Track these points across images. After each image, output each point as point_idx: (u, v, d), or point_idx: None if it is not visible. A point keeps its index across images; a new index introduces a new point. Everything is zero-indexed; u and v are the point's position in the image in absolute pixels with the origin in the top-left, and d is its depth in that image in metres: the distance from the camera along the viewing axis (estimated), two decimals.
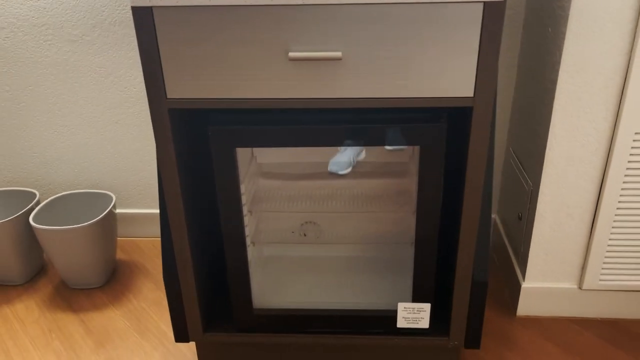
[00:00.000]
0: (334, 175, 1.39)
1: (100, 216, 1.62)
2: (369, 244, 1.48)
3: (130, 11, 1.62)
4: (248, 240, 1.23)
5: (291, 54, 0.98)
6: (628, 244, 1.41)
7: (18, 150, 1.86)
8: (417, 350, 1.32)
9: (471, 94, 1.00)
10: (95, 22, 1.65)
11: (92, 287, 1.72)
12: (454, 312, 1.22)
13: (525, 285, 1.51)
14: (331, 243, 1.46)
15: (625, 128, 1.27)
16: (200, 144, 1.23)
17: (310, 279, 1.41)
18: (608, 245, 1.41)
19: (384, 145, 1.08)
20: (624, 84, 1.24)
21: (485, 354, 1.42)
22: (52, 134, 1.82)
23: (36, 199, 1.72)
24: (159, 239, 1.97)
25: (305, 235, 1.41)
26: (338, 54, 0.97)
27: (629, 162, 1.30)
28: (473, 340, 1.26)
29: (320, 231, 1.41)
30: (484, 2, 0.93)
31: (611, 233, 1.39)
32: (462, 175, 1.11)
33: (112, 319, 1.59)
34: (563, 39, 1.22)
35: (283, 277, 1.42)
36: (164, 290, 1.69)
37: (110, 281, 1.75)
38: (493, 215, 1.83)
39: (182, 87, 1.03)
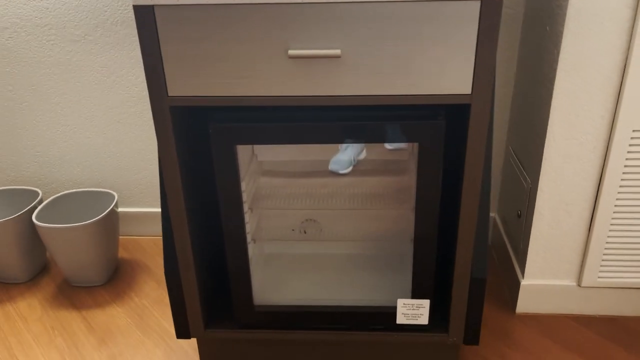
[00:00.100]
0: (335, 174, 1.40)
1: (103, 214, 1.63)
2: (369, 241, 1.49)
3: (132, 11, 1.64)
4: (249, 238, 1.25)
5: (290, 52, 0.99)
6: (626, 241, 1.41)
7: (21, 149, 1.88)
8: (417, 347, 1.33)
9: (469, 91, 1.01)
10: (98, 22, 1.66)
11: (94, 285, 1.73)
12: (453, 309, 1.23)
13: (524, 282, 1.52)
14: (331, 240, 1.47)
15: (623, 126, 1.28)
16: (201, 143, 1.25)
17: (310, 276, 1.42)
18: (606, 243, 1.42)
19: (383, 142, 1.09)
20: (622, 82, 1.25)
21: (485, 351, 1.43)
22: (55, 133, 1.84)
23: (39, 197, 1.74)
24: (161, 237, 1.99)
25: (305, 232, 1.42)
26: (337, 51, 0.98)
27: (626, 159, 1.31)
28: (472, 336, 1.27)
29: (320, 229, 1.42)
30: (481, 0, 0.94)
31: (609, 230, 1.40)
32: (461, 172, 1.12)
33: (114, 316, 1.60)
34: (561, 37, 1.23)
35: (284, 274, 1.43)
36: (166, 288, 1.70)
37: (112, 279, 1.76)
38: (493, 214, 1.84)
39: (183, 85, 1.04)
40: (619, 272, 1.46)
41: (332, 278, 1.41)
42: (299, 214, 1.43)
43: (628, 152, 1.30)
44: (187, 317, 1.29)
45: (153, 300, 1.66)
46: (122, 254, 1.90)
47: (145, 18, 0.99)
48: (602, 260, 1.44)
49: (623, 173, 1.33)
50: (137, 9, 0.98)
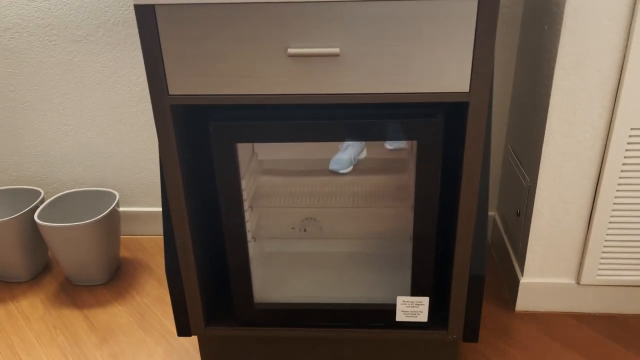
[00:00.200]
0: (335, 174, 1.41)
1: (104, 214, 1.64)
2: (369, 240, 1.50)
3: (133, 11, 1.65)
4: (249, 236, 1.25)
5: (290, 50, 1.00)
6: (625, 239, 1.42)
7: (23, 149, 1.89)
8: (416, 344, 1.34)
9: (467, 89, 1.02)
10: (99, 23, 1.67)
11: (96, 284, 1.74)
12: (452, 306, 1.24)
13: (523, 280, 1.52)
14: (331, 238, 1.47)
15: (621, 124, 1.28)
16: (201, 142, 1.25)
17: (310, 274, 1.43)
18: (605, 241, 1.42)
19: (382, 140, 1.10)
20: (620, 81, 1.26)
21: (485, 349, 1.44)
22: (57, 133, 1.85)
23: (41, 197, 1.75)
24: (162, 237, 2.00)
25: (305, 231, 1.43)
26: (336, 50, 0.99)
27: (624, 157, 1.32)
28: (471, 333, 1.27)
29: (320, 227, 1.43)
30: None
31: (608, 228, 1.41)
32: (459, 170, 1.12)
33: (115, 315, 1.61)
34: (559, 36, 1.24)
35: (284, 272, 1.44)
36: (167, 287, 1.71)
37: (113, 278, 1.77)
38: (492, 213, 1.85)
39: (183, 84, 1.05)
40: (617, 270, 1.46)
41: (332, 276, 1.42)
42: (299, 212, 1.43)
43: (626, 150, 1.31)
44: (188, 315, 1.30)
45: (154, 299, 1.67)
46: (123, 253, 1.91)
47: (146, 17, 1.00)
48: (601, 258, 1.45)
49: (621, 171, 1.33)
50: (138, 8, 0.99)
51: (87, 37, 1.69)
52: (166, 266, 1.24)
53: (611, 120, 1.30)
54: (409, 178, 1.35)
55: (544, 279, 1.52)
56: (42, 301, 1.67)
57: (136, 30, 1.68)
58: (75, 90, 1.77)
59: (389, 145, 1.39)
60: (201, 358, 1.41)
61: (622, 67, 1.24)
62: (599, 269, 1.46)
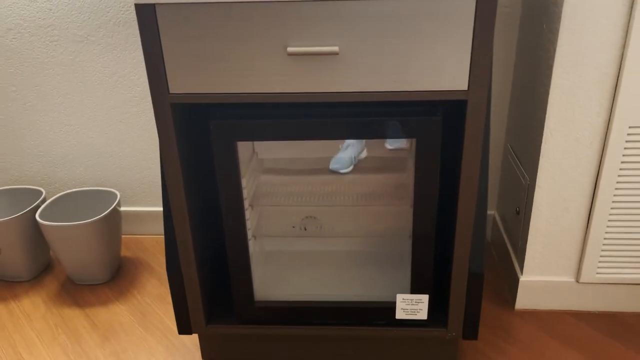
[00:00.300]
0: (335, 173, 1.42)
1: (105, 213, 1.64)
2: (369, 238, 1.50)
3: (134, 12, 1.65)
4: (249, 235, 1.26)
5: (289, 49, 1.00)
6: (624, 237, 1.42)
7: (24, 149, 1.90)
8: (416, 341, 1.34)
9: (465, 87, 1.03)
10: (100, 23, 1.68)
11: (97, 283, 1.75)
12: (452, 304, 1.24)
13: (523, 279, 1.53)
14: (331, 237, 1.48)
15: (620, 122, 1.29)
16: (202, 140, 1.26)
17: (310, 272, 1.43)
18: (604, 239, 1.43)
19: (381, 137, 1.10)
20: (618, 79, 1.26)
21: (484, 346, 1.44)
22: (58, 133, 1.86)
23: (42, 196, 1.75)
24: (163, 236, 2.00)
25: (305, 229, 1.44)
26: (335, 48, 1.00)
27: (623, 155, 1.32)
28: (471, 331, 1.28)
29: (320, 226, 1.43)
30: None
31: (607, 226, 1.41)
32: (458, 168, 1.13)
33: (117, 314, 1.61)
34: (557, 34, 1.25)
35: (284, 270, 1.45)
36: (168, 286, 1.72)
37: (115, 277, 1.78)
38: (492, 211, 1.85)
39: (184, 82, 1.06)
40: (617, 268, 1.47)
41: (332, 274, 1.42)
42: (299, 211, 1.44)
43: (625, 148, 1.31)
44: (189, 313, 1.30)
45: (155, 298, 1.67)
46: (124, 252, 1.91)
47: (146, 16, 1.00)
48: (600, 256, 1.45)
49: (620, 169, 1.34)
50: (139, 8, 1.00)
51: (88, 38, 1.70)
52: (167, 265, 1.25)
53: (609, 118, 1.30)
54: (408, 177, 1.35)
55: (544, 277, 1.52)
56: (43, 300, 1.68)
57: (137, 31, 1.69)
58: (77, 90, 1.78)
59: (389, 145, 1.39)
60: (202, 356, 1.42)
61: (620, 66, 1.25)
62: (598, 267, 1.47)
